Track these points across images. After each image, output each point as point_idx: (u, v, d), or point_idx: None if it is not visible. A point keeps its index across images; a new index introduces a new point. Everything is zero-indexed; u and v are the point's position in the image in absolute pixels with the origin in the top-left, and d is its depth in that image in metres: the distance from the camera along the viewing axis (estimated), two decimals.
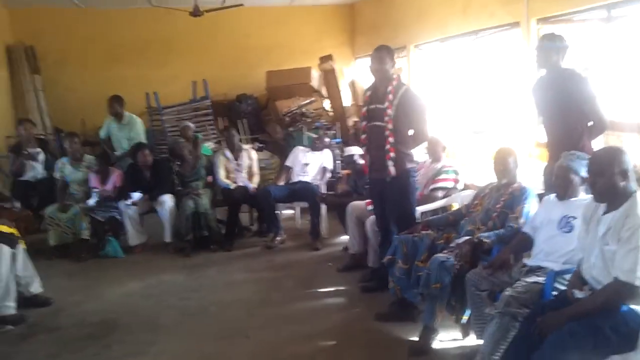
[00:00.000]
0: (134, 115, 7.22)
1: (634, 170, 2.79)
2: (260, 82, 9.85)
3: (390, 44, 5.07)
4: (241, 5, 8.78)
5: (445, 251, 3.87)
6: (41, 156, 6.83)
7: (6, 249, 4.45)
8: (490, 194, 4.11)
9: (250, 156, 6.79)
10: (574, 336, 2.58)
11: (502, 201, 3.95)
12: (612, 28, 4.53)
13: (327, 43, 10.55)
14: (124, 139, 7.10)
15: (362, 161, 5.66)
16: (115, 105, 7.02)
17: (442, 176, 5.22)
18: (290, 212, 6.95)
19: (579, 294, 2.82)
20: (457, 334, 3.92)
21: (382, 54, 4.41)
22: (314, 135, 7.53)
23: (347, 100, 9.27)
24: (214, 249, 6.24)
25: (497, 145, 4.43)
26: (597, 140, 4.03)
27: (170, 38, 10.16)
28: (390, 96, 4.33)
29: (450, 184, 5.23)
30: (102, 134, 7.34)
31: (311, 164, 6.65)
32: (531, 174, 4.44)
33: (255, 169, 6.81)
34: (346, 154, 6.25)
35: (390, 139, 4.33)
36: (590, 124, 3.90)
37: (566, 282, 3.05)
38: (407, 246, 4.11)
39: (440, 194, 5.18)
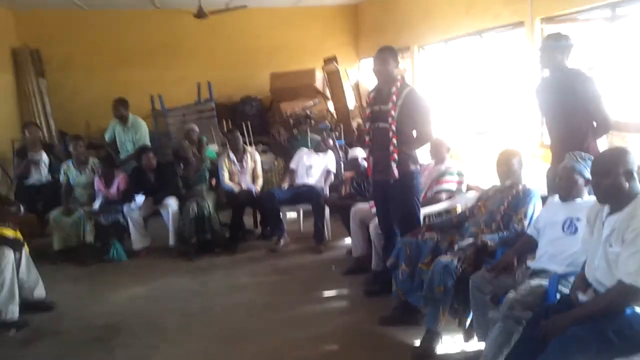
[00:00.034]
0: (139, 118, 7.22)
1: (638, 172, 2.76)
2: (264, 84, 9.87)
3: (394, 44, 5.07)
4: (245, 7, 8.80)
5: (448, 254, 3.84)
6: (45, 160, 6.83)
7: (10, 254, 4.45)
8: (494, 195, 4.09)
9: (254, 158, 6.78)
10: (577, 339, 2.55)
11: (506, 203, 3.93)
12: (617, 27, 4.50)
13: (331, 44, 10.56)
14: (128, 142, 7.10)
15: (365, 163, 5.63)
16: (120, 108, 7.02)
17: (446, 178, 5.19)
18: (293, 215, 6.92)
19: (582, 296, 2.79)
20: (460, 337, 3.90)
21: (385, 55, 4.39)
22: (318, 137, 7.51)
23: (351, 101, 9.26)
24: (217, 253, 6.22)
25: (501, 146, 4.40)
26: (601, 141, 3.99)
27: (175, 40, 10.20)
28: (394, 97, 4.30)
29: (454, 186, 5.20)
30: (107, 136, 7.34)
31: (315, 166, 6.63)
32: (535, 175, 4.41)
33: (259, 171, 6.79)
34: (350, 156, 6.23)
35: (394, 141, 4.30)
36: (594, 124, 3.87)
37: (570, 285, 3.02)
38: (411, 249, 4.09)
39: (444, 196, 5.15)
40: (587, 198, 3.30)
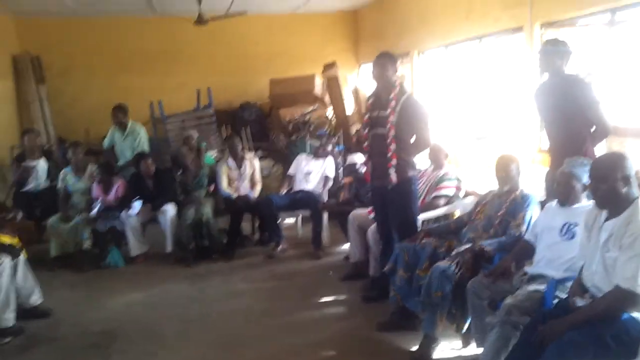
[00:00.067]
0: (138, 124, 7.22)
1: (636, 177, 2.75)
2: (263, 90, 9.87)
3: (394, 50, 5.07)
4: (245, 13, 8.81)
5: (446, 259, 3.83)
6: (42, 166, 6.82)
7: (7, 260, 4.43)
8: (492, 201, 4.08)
9: (253, 164, 6.77)
10: (574, 344, 2.55)
11: (504, 208, 3.93)
12: (616, 32, 4.49)
13: (331, 50, 10.57)
14: (127, 148, 7.10)
15: (364, 169, 5.63)
16: (119, 114, 7.03)
17: (444, 183, 5.18)
18: (291, 220, 6.91)
19: (580, 301, 2.78)
20: (458, 343, 3.89)
21: (384, 60, 4.39)
22: (317, 143, 7.51)
23: (350, 107, 9.26)
24: (215, 259, 6.21)
25: (500, 151, 4.40)
26: (599, 146, 3.98)
27: (175, 47, 10.21)
28: (393, 103, 4.31)
29: (452, 192, 5.19)
30: (106, 143, 7.34)
31: (313, 172, 6.63)
32: (534, 180, 4.40)
33: (258, 177, 6.79)
34: (348, 161, 6.23)
35: (392, 146, 4.30)
36: (593, 129, 3.86)
37: (567, 290, 3.01)
38: (409, 254, 4.09)
39: (442, 201, 5.13)
40: (585, 203, 3.29)
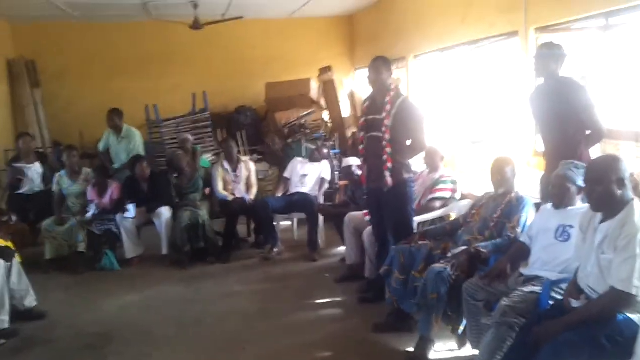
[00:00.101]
0: (133, 128, 7.22)
1: (630, 179, 2.77)
2: (259, 94, 9.88)
3: (389, 54, 5.09)
4: (241, 18, 8.83)
5: (442, 261, 3.84)
6: (38, 170, 6.81)
7: (1, 263, 4.43)
8: (487, 203, 4.10)
9: (249, 167, 6.78)
10: (570, 346, 2.56)
11: (500, 211, 3.94)
12: (610, 36, 4.52)
13: (327, 54, 10.58)
14: (122, 152, 7.10)
15: (359, 172, 5.64)
16: (114, 118, 7.03)
17: (440, 186, 5.20)
18: (287, 223, 6.91)
19: (575, 303, 2.80)
20: (453, 344, 3.89)
21: (379, 64, 4.42)
22: (313, 147, 7.52)
23: (346, 111, 9.28)
24: (211, 261, 6.20)
25: (495, 154, 4.42)
26: (594, 149, 4.00)
27: (170, 51, 10.21)
28: (388, 106, 4.33)
29: (447, 194, 5.21)
30: (101, 146, 7.34)
31: (309, 175, 6.64)
32: (529, 183, 4.42)
33: (254, 180, 6.79)
34: (344, 164, 6.24)
35: (388, 149, 4.32)
36: (587, 132, 3.88)
37: (563, 292, 3.03)
38: (404, 256, 4.10)
39: (437, 204, 5.15)
40: (580, 205, 3.30)
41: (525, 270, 3.44)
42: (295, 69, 10.18)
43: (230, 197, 6.51)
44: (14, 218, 5.05)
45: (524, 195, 3.97)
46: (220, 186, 6.59)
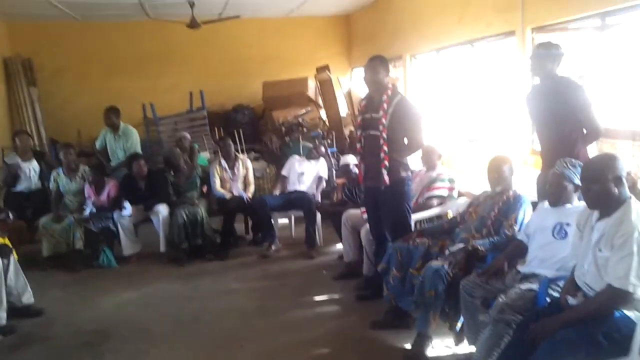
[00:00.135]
0: (130, 126, 7.22)
1: (627, 178, 2.79)
2: (256, 93, 9.90)
3: (386, 53, 5.10)
4: (238, 17, 8.84)
5: (439, 259, 3.86)
6: (35, 167, 6.80)
7: None
8: (484, 201, 4.11)
9: (246, 165, 6.78)
10: (567, 343, 2.57)
11: (497, 209, 3.95)
12: (607, 36, 4.55)
13: (324, 53, 10.61)
14: (119, 150, 7.09)
15: (357, 170, 5.65)
16: (112, 116, 7.02)
17: (437, 184, 5.21)
18: (285, 221, 6.92)
19: (572, 300, 2.81)
20: (450, 341, 3.90)
21: (375, 63, 4.42)
22: (310, 145, 7.53)
23: (343, 109, 9.29)
24: (209, 259, 6.20)
25: (492, 153, 4.43)
26: (591, 148, 4.03)
27: (168, 50, 10.23)
28: (385, 105, 4.33)
29: (445, 192, 5.22)
30: (98, 144, 7.33)
31: (307, 173, 6.64)
32: (526, 182, 4.44)
33: (251, 178, 6.79)
34: (342, 162, 6.25)
35: (385, 148, 4.32)
36: (584, 131, 3.90)
37: (560, 289, 3.04)
38: (402, 254, 4.11)
39: (435, 202, 5.16)
40: (577, 203, 3.32)
41: (522, 268, 3.44)
42: (293, 68, 10.21)
43: (228, 195, 6.51)
44: (11, 215, 5.04)
45: (521, 193, 3.98)
46: (217, 184, 6.59)
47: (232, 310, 4.82)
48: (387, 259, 4.20)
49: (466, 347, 3.71)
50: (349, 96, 9.64)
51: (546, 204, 3.50)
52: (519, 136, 5.51)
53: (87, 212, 6.15)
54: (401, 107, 4.34)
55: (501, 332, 3.02)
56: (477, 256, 3.71)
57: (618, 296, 2.59)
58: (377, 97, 4.41)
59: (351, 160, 6.03)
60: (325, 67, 9.51)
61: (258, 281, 5.57)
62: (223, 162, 6.68)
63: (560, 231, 3.31)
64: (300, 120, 8.85)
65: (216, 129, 9.34)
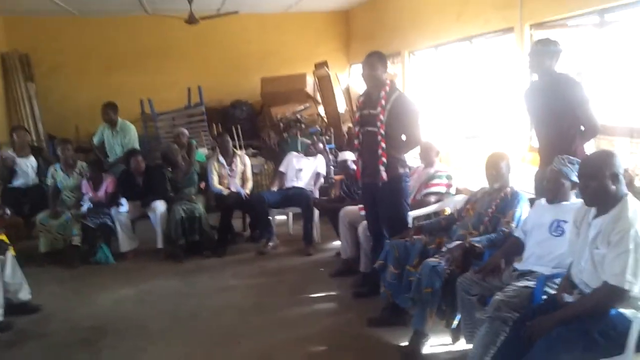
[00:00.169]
0: (128, 122, 7.19)
1: (624, 174, 2.79)
2: (255, 89, 9.88)
3: (385, 50, 5.09)
4: (236, 12, 8.82)
5: (436, 256, 3.85)
6: (33, 163, 6.79)
7: None
8: (482, 198, 4.10)
9: (244, 162, 6.77)
10: (563, 340, 2.57)
11: (494, 206, 3.95)
12: (605, 33, 4.54)
13: (322, 49, 10.60)
14: (117, 146, 7.07)
15: (355, 166, 5.64)
16: (109, 112, 6.99)
17: (435, 181, 5.20)
18: (282, 217, 6.91)
19: (568, 297, 2.81)
20: (447, 338, 3.90)
21: (373, 60, 4.40)
22: (308, 141, 7.52)
23: (341, 106, 9.29)
24: (206, 255, 6.20)
25: (490, 150, 4.43)
26: (588, 144, 4.02)
27: (166, 45, 10.20)
28: (383, 101, 4.31)
29: (442, 189, 5.21)
30: (96, 140, 7.31)
31: (305, 170, 6.64)
32: (524, 179, 4.44)
33: (249, 174, 6.78)
34: (339, 159, 6.24)
35: (383, 144, 4.31)
36: (582, 128, 3.89)
37: (556, 286, 3.04)
38: (399, 251, 4.10)
39: (432, 199, 5.16)
40: (574, 200, 3.32)
41: (519, 265, 3.45)
42: (291, 64, 10.19)
43: (226, 192, 6.50)
44: (8, 211, 5.03)
45: (518, 190, 3.98)
46: (215, 180, 6.58)
47: (229, 307, 4.82)
48: (384, 256, 4.19)
49: (463, 345, 3.72)
50: (347, 92, 9.62)
51: (543, 201, 3.50)
52: (517, 133, 5.50)
53: (84, 208, 6.14)
54: (399, 103, 4.33)
55: (497, 330, 3.03)
56: (474, 253, 3.72)
57: (614, 293, 2.59)
58: (375, 94, 4.40)
59: (349, 156, 6.02)
60: (324, 63, 9.49)
61: (255, 278, 5.57)
62: (221, 158, 6.67)
63: (557, 228, 3.32)
64: (298, 116, 8.83)
65: (214, 124, 9.33)
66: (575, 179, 3.17)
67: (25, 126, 8.66)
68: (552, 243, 3.29)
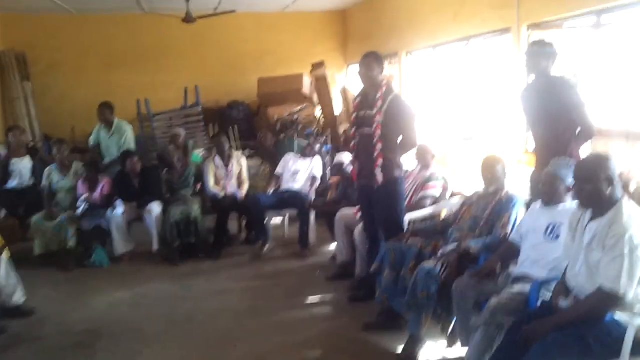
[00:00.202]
0: (124, 122, 7.17)
1: (620, 178, 2.78)
2: (252, 89, 9.85)
3: (382, 50, 5.07)
4: (234, 12, 8.79)
5: (432, 259, 3.84)
6: (26, 164, 6.76)
7: None
8: (478, 201, 4.10)
9: (240, 163, 6.74)
10: (558, 345, 2.57)
11: (490, 209, 3.95)
12: (601, 35, 4.53)
13: (320, 50, 10.57)
14: (113, 146, 7.04)
15: (351, 168, 5.63)
16: (106, 112, 6.98)
17: (431, 183, 5.18)
18: (278, 220, 6.89)
19: (564, 302, 2.80)
20: (443, 343, 3.89)
21: (370, 60, 4.40)
22: (305, 142, 7.50)
23: (338, 107, 9.26)
24: (202, 258, 6.17)
25: (486, 152, 4.42)
26: (584, 147, 4.01)
27: (163, 45, 10.17)
28: (379, 103, 4.31)
29: (438, 192, 5.19)
30: (91, 141, 7.28)
31: (301, 172, 6.61)
32: (520, 181, 4.42)
33: (245, 176, 6.76)
34: (336, 161, 6.23)
35: (379, 146, 4.31)
36: (578, 130, 3.88)
37: (552, 291, 3.02)
38: (395, 254, 4.10)
39: (428, 201, 5.14)
40: (570, 203, 3.31)
41: (514, 269, 3.44)
42: (288, 64, 10.16)
43: (222, 194, 6.48)
44: (3, 213, 5.00)
45: (514, 193, 3.97)
46: (211, 182, 6.55)
47: (225, 310, 4.80)
48: (380, 259, 4.19)
49: (458, 350, 3.71)
50: (344, 93, 9.60)
51: (539, 204, 3.48)
52: (513, 135, 5.49)
53: (80, 210, 6.10)
54: (395, 104, 4.33)
55: (493, 334, 3.03)
56: (470, 257, 3.70)
57: (609, 299, 2.59)
58: (371, 95, 4.40)
59: (345, 158, 6.00)
60: (321, 64, 9.46)
61: (251, 281, 5.55)
62: (217, 159, 6.64)
63: (552, 232, 3.31)
64: (295, 117, 8.81)
65: (211, 125, 9.30)
66: (571, 181, 3.15)
67: (22, 126, 8.62)
68: (548, 247, 3.28)
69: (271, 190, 6.57)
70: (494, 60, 6.16)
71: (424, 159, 5.28)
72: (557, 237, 3.25)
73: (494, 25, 5.75)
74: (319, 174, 6.69)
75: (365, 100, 4.46)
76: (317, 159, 6.79)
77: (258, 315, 4.68)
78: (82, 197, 6.18)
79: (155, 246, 6.21)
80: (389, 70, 8.24)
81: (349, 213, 5.32)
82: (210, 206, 6.54)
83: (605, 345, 2.55)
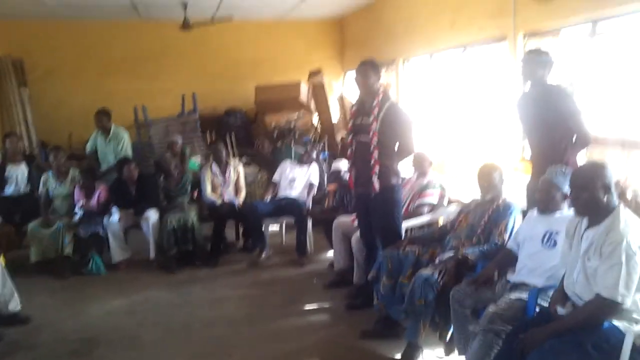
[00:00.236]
0: (121, 129, 7.16)
1: (616, 186, 2.79)
2: (249, 96, 9.84)
3: (379, 57, 5.08)
4: (231, 19, 8.81)
5: (429, 267, 3.84)
6: (22, 171, 6.75)
7: None
8: (475, 209, 4.10)
9: (237, 170, 6.74)
10: (556, 353, 2.57)
11: (487, 217, 3.96)
12: (597, 43, 4.55)
13: (317, 57, 10.58)
14: (110, 153, 7.03)
15: (348, 176, 5.63)
16: (103, 118, 6.96)
17: (428, 191, 5.19)
18: (276, 227, 6.88)
19: (561, 310, 2.80)
20: (441, 350, 3.89)
21: (366, 68, 4.41)
22: (302, 150, 7.50)
23: (335, 114, 9.27)
24: (199, 265, 6.16)
25: (483, 160, 4.42)
26: (580, 155, 4.02)
27: (160, 52, 10.16)
28: (376, 110, 4.32)
29: (435, 199, 5.20)
30: (89, 148, 7.26)
31: (298, 179, 6.61)
32: (516, 189, 4.43)
33: (242, 183, 6.76)
34: (333, 168, 6.23)
35: (375, 154, 4.31)
36: (574, 138, 3.90)
37: (549, 299, 3.02)
38: (392, 262, 4.10)
39: (425, 209, 5.15)
40: (567, 211, 3.32)
41: (512, 277, 3.44)
42: (285, 71, 10.17)
43: (219, 201, 6.47)
44: None
45: (511, 201, 3.98)
46: (209, 190, 6.55)
47: (222, 318, 4.79)
48: (377, 267, 4.20)
49: (456, 357, 3.70)
50: (341, 101, 9.62)
51: (535, 212, 3.49)
52: (509, 143, 5.50)
53: (76, 217, 6.09)
54: (392, 112, 4.34)
55: (491, 342, 3.03)
56: (467, 265, 3.70)
57: (606, 306, 2.59)
58: (367, 102, 4.40)
59: (342, 166, 6.00)
60: (318, 71, 9.48)
61: (248, 289, 5.53)
62: (214, 166, 6.64)
63: (549, 240, 3.32)
64: (292, 124, 8.82)
65: (208, 132, 9.30)
66: (567, 189, 3.16)
67: (17, 132, 8.60)
68: (545, 255, 3.28)
69: (268, 198, 6.57)
70: (490, 67, 6.18)
71: (421, 167, 5.29)
72: (554, 244, 3.26)
73: (491, 33, 5.77)
74: (316, 181, 6.69)
75: (362, 108, 4.46)
76: (315, 167, 6.79)
77: (255, 323, 4.66)
78: (79, 204, 6.16)
79: (152, 253, 6.19)
80: (386, 78, 8.26)
81: (346, 220, 5.32)
82: (208, 213, 6.53)
83: (603, 352, 2.55)
